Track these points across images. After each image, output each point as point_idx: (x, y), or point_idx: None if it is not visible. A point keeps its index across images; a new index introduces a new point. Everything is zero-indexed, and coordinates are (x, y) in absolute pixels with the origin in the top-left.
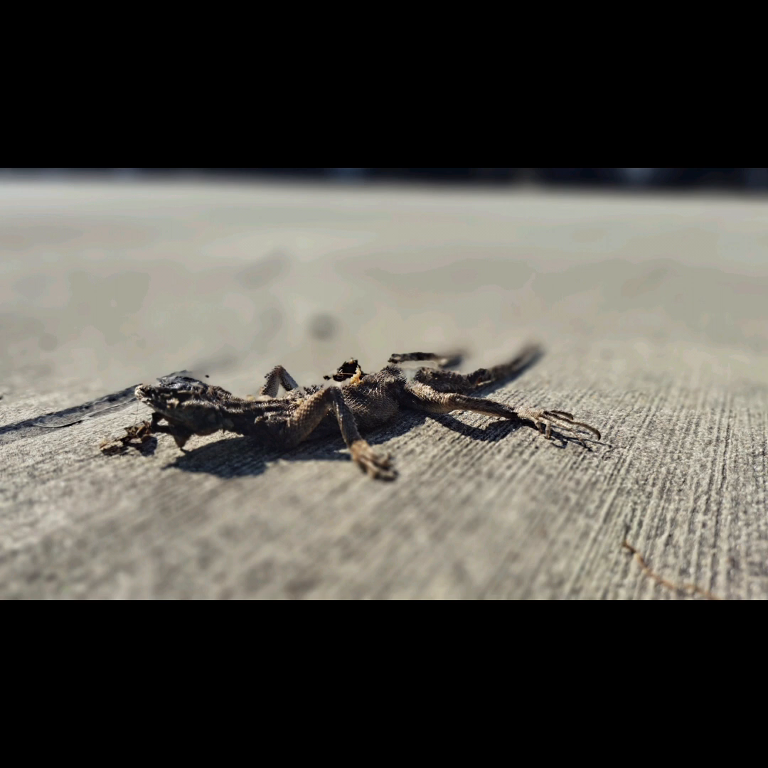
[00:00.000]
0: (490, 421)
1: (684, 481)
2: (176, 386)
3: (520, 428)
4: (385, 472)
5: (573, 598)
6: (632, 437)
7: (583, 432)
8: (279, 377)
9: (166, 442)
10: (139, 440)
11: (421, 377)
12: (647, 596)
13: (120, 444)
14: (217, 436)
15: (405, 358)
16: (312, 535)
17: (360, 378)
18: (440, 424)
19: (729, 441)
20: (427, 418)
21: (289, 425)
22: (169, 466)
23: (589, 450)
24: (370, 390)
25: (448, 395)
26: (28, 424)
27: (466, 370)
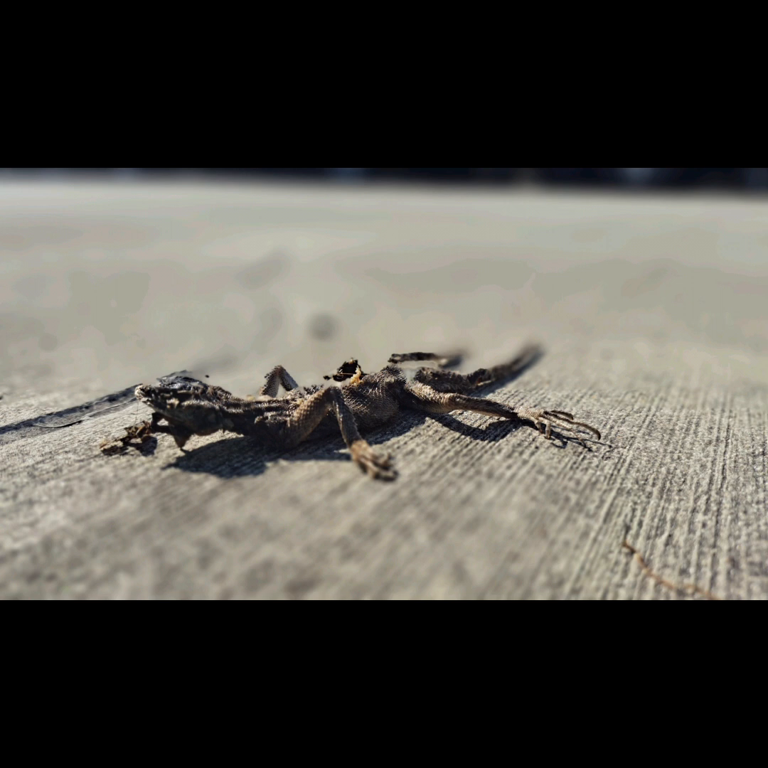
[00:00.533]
0: (490, 421)
1: (684, 481)
2: (176, 386)
3: (520, 428)
4: (385, 472)
5: (573, 598)
6: (632, 437)
7: (583, 432)
8: (279, 377)
9: (166, 442)
10: (139, 440)
11: (421, 377)
12: (647, 596)
13: (120, 444)
14: (217, 436)
15: (405, 358)
16: (312, 535)
17: (360, 378)
18: (440, 424)
19: (729, 441)
20: (427, 418)
21: (289, 425)
22: (169, 466)
23: (589, 450)
24: (370, 390)
25: (448, 395)
26: (28, 424)
27: (466, 370)
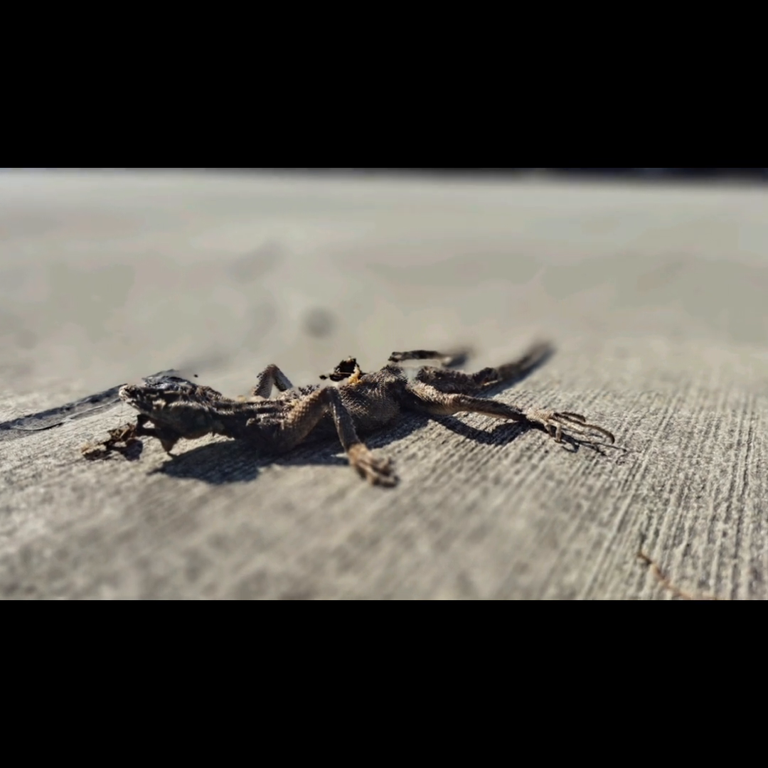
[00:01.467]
0: (497, 423)
1: (703, 488)
2: (163, 386)
3: (529, 431)
4: (385, 477)
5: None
6: (648, 440)
7: (596, 435)
8: (272, 377)
9: (152, 445)
10: (123, 444)
11: (423, 377)
12: None
13: (103, 448)
14: (206, 440)
15: (406, 356)
16: (307, 545)
17: (358, 378)
18: (444, 427)
19: (751, 444)
20: (429, 421)
21: (283, 428)
22: (156, 471)
23: (603, 454)
24: (369, 390)
25: (452, 396)
26: (6, 426)
27: (471, 369)
